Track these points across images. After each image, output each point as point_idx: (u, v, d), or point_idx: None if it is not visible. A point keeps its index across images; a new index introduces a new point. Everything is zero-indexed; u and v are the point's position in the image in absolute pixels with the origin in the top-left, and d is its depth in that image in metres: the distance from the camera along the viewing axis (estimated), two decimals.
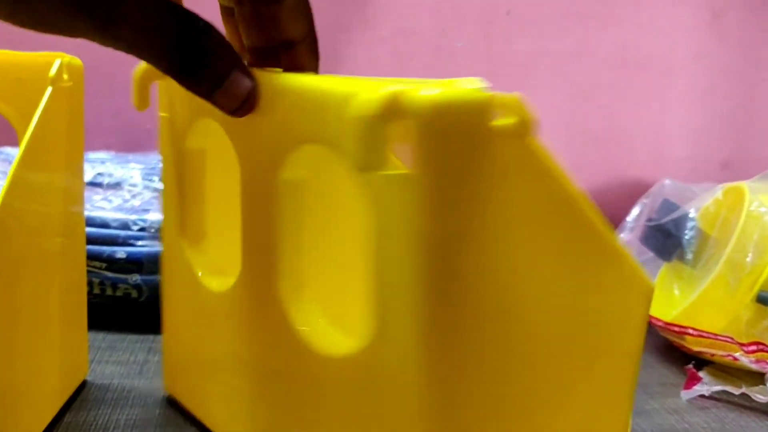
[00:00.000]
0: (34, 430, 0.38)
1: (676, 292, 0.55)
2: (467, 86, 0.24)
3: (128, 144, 0.74)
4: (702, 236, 0.54)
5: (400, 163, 0.25)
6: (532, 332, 0.28)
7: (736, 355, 0.48)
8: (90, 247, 0.52)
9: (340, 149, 0.26)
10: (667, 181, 0.60)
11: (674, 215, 0.56)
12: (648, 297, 0.30)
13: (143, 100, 0.37)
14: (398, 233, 0.25)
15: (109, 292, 0.54)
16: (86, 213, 0.54)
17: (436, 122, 0.24)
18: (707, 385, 0.48)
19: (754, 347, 0.48)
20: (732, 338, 0.48)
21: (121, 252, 0.53)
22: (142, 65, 0.37)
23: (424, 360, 0.26)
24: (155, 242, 0.54)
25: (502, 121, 0.25)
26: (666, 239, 0.56)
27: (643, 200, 0.61)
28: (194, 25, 0.30)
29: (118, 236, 0.54)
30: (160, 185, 0.46)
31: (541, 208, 0.27)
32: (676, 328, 0.51)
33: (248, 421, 0.36)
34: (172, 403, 0.43)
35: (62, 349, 0.41)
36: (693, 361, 0.50)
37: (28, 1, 0.27)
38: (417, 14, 0.80)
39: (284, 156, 0.31)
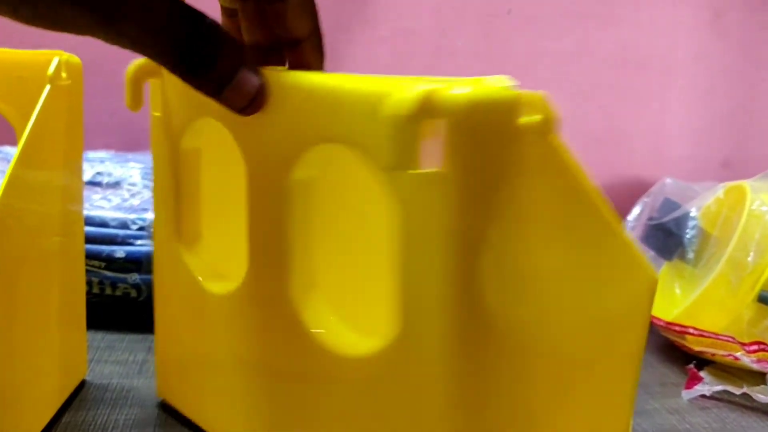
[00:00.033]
0: (32, 429, 0.38)
1: (677, 291, 0.55)
2: (495, 84, 0.24)
3: (128, 143, 0.74)
4: (703, 235, 0.54)
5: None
6: (546, 327, 0.28)
7: (738, 354, 0.48)
8: (89, 246, 0.52)
9: (365, 148, 0.27)
10: (668, 180, 0.60)
11: (675, 214, 0.56)
12: (652, 288, 0.30)
13: (137, 100, 0.37)
14: (427, 232, 0.25)
15: (108, 291, 0.54)
16: (85, 212, 0.54)
17: (468, 121, 0.24)
18: (708, 385, 0.48)
19: (755, 347, 0.48)
20: (733, 338, 0.48)
21: (120, 251, 0.53)
22: (134, 64, 0.36)
23: (453, 357, 0.26)
24: None
25: (528, 118, 0.25)
26: (667, 238, 0.55)
27: (644, 199, 0.61)
28: (201, 22, 0.29)
29: (117, 235, 0.54)
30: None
31: (560, 204, 0.27)
32: (677, 328, 0.51)
33: (253, 423, 0.36)
34: (167, 408, 0.42)
35: (61, 349, 0.41)
36: (694, 361, 0.50)
37: None
38: (417, 14, 0.80)
39: (296, 155, 0.30)
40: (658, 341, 0.55)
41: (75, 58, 0.40)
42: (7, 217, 0.33)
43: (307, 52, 0.35)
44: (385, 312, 0.38)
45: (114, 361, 0.49)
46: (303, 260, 0.32)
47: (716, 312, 0.50)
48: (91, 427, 0.40)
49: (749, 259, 0.49)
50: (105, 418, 0.41)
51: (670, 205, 0.57)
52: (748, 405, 0.47)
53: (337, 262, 0.35)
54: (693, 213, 0.55)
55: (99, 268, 0.53)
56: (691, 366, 0.50)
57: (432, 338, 0.26)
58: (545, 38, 0.82)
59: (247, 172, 0.33)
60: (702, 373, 0.49)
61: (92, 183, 0.63)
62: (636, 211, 0.60)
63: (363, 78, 0.28)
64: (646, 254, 0.56)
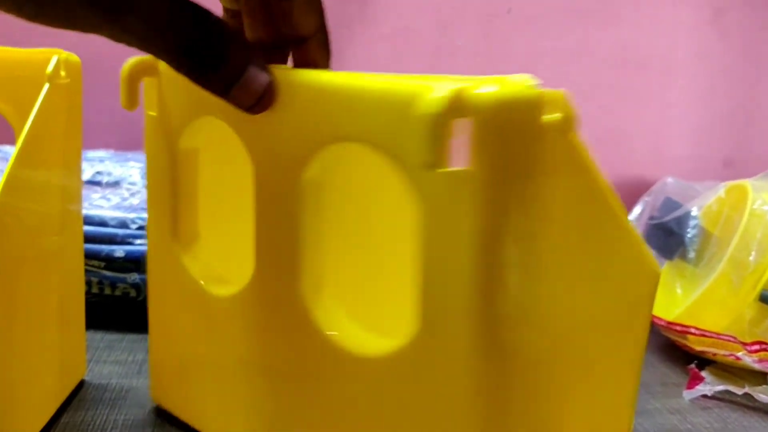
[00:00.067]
0: (31, 430, 0.38)
1: (679, 291, 0.55)
2: (520, 83, 0.25)
3: (127, 142, 0.74)
4: (704, 235, 0.54)
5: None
6: (557, 324, 0.28)
7: (739, 354, 0.48)
8: (88, 245, 0.52)
9: (388, 147, 0.27)
10: (669, 179, 0.60)
11: (676, 213, 0.56)
12: (655, 283, 0.30)
13: (132, 99, 0.36)
14: (453, 230, 0.25)
15: (107, 291, 0.54)
16: (84, 211, 0.54)
17: (496, 119, 0.24)
18: (710, 384, 0.48)
19: (757, 347, 0.47)
20: (735, 337, 0.48)
21: (119, 251, 0.53)
22: (129, 62, 0.36)
23: (477, 356, 0.26)
24: None
25: (549, 116, 0.25)
26: (668, 238, 0.55)
27: (645, 198, 0.60)
28: (207, 19, 0.29)
29: (116, 235, 0.54)
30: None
31: (578, 200, 0.27)
32: (679, 328, 0.51)
33: (256, 425, 0.36)
34: (162, 413, 0.42)
35: (60, 349, 0.41)
36: (695, 361, 0.50)
37: None
38: (417, 12, 0.80)
39: (308, 154, 0.30)
40: (660, 341, 0.55)
41: (74, 57, 0.39)
42: (5, 217, 0.33)
43: (314, 49, 0.34)
44: (395, 311, 0.38)
45: (113, 361, 0.48)
46: (313, 260, 0.32)
47: (718, 312, 0.50)
48: (90, 427, 0.40)
49: (751, 258, 0.49)
50: (104, 418, 0.41)
51: (671, 204, 0.57)
52: (749, 405, 0.47)
53: (346, 261, 0.35)
54: (694, 212, 0.55)
55: (98, 267, 0.53)
56: (693, 366, 0.50)
57: (455, 336, 0.26)
58: (545, 37, 0.82)
59: (255, 171, 0.33)
60: (703, 373, 0.49)
61: (92, 182, 0.63)
62: (637, 210, 0.60)
63: (380, 77, 0.28)
64: None
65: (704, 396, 0.47)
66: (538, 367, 0.28)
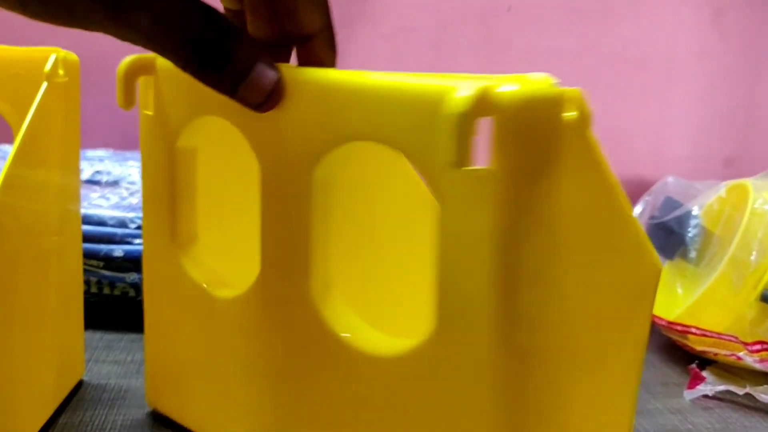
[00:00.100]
0: (29, 430, 0.38)
1: (679, 290, 0.54)
2: (541, 81, 0.25)
3: (127, 142, 0.74)
4: (705, 234, 0.54)
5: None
6: (566, 321, 0.28)
7: (740, 354, 0.47)
8: (87, 245, 0.52)
9: (407, 146, 0.27)
10: (669, 179, 0.60)
11: (677, 213, 0.55)
12: (657, 278, 0.30)
13: (129, 99, 0.36)
14: (474, 229, 0.25)
15: (106, 291, 0.53)
16: (83, 211, 0.54)
17: (519, 117, 0.24)
18: (711, 384, 0.48)
19: (758, 346, 0.47)
20: (736, 337, 0.48)
21: (118, 250, 0.53)
22: (126, 61, 0.36)
23: (499, 354, 0.26)
24: None
25: (568, 114, 0.26)
26: (669, 237, 0.55)
27: (646, 198, 0.60)
28: (214, 16, 0.28)
29: (115, 234, 0.53)
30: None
31: (590, 196, 0.27)
32: (679, 327, 0.51)
33: (263, 428, 0.35)
34: (158, 417, 0.41)
35: (58, 349, 0.41)
36: (696, 361, 0.50)
37: None
38: (418, 11, 0.80)
39: (319, 153, 0.30)
40: (660, 341, 0.54)
41: (72, 55, 0.39)
42: (3, 216, 0.33)
43: (319, 47, 0.33)
44: (399, 310, 0.38)
45: (112, 361, 0.48)
46: (322, 260, 0.31)
47: (719, 311, 0.50)
48: (89, 427, 0.40)
49: (752, 258, 0.49)
50: (102, 418, 0.41)
51: (671, 203, 0.57)
52: (751, 405, 0.47)
53: (351, 260, 0.35)
54: (695, 211, 0.55)
55: (97, 267, 0.53)
56: (694, 366, 0.49)
57: (474, 335, 0.26)
58: (545, 36, 0.82)
59: (262, 170, 0.33)
60: (704, 373, 0.49)
61: (91, 182, 0.63)
62: (637, 209, 0.60)
63: (395, 75, 0.28)
64: None
65: (705, 396, 0.47)
66: (552, 365, 0.28)
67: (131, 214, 0.55)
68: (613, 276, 0.29)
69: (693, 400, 0.47)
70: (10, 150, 0.34)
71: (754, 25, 0.86)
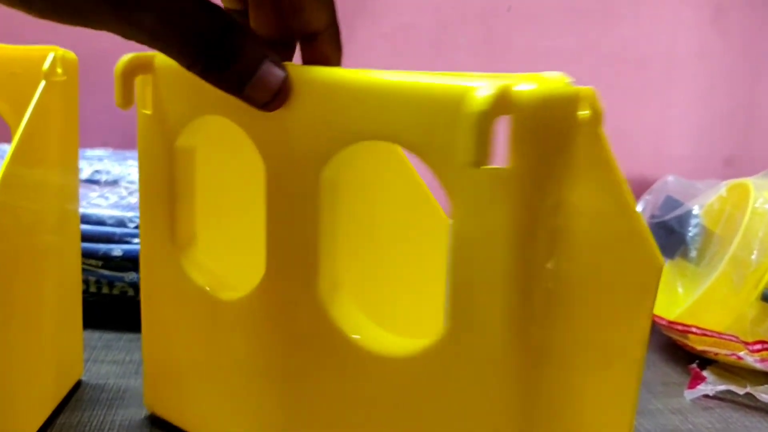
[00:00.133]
0: (27, 430, 0.38)
1: (680, 290, 0.54)
2: (555, 79, 0.25)
3: (126, 141, 0.74)
4: (706, 233, 0.54)
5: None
6: (578, 317, 0.28)
7: (741, 354, 0.47)
8: (86, 244, 0.52)
9: (423, 145, 0.26)
10: (670, 178, 0.59)
11: (678, 212, 0.55)
12: (658, 274, 0.30)
13: (127, 98, 0.35)
14: (491, 228, 0.25)
15: (105, 290, 0.53)
16: (82, 210, 0.53)
17: (537, 116, 0.24)
18: (711, 384, 0.47)
19: (759, 346, 0.47)
20: (737, 337, 0.48)
21: (117, 250, 0.53)
22: (123, 60, 0.35)
23: (516, 353, 0.26)
24: None
25: (582, 113, 0.26)
26: (669, 236, 0.55)
27: (646, 197, 0.60)
28: (220, 14, 0.28)
29: (114, 234, 0.53)
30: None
31: (600, 194, 0.27)
32: (680, 327, 0.50)
33: (269, 430, 0.35)
34: (157, 418, 0.41)
35: (56, 349, 0.41)
36: (697, 360, 0.50)
37: None
38: (418, 10, 0.80)
39: (329, 152, 0.30)
40: (661, 340, 0.54)
41: (71, 54, 0.39)
42: (1, 216, 0.33)
43: (325, 45, 0.33)
44: (404, 310, 0.38)
45: (111, 360, 0.48)
46: (330, 260, 0.31)
47: (719, 311, 0.50)
48: (87, 428, 0.40)
49: (753, 257, 0.49)
50: (101, 419, 0.41)
51: (672, 203, 0.57)
52: (751, 405, 0.46)
53: (355, 260, 0.35)
54: (695, 211, 0.55)
55: (96, 266, 0.53)
56: (694, 365, 0.49)
57: (490, 334, 0.26)
58: (545, 36, 0.82)
59: (267, 170, 0.32)
60: (705, 373, 0.49)
61: (90, 181, 0.63)
62: (638, 209, 0.60)
63: (407, 74, 0.27)
64: None
65: (706, 396, 0.47)
66: (561, 364, 0.28)
67: (130, 214, 0.55)
68: (617, 273, 0.29)
69: (693, 400, 0.47)
70: (8, 149, 0.34)
71: (754, 24, 0.86)
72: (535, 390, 0.27)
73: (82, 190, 0.58)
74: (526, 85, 0.24)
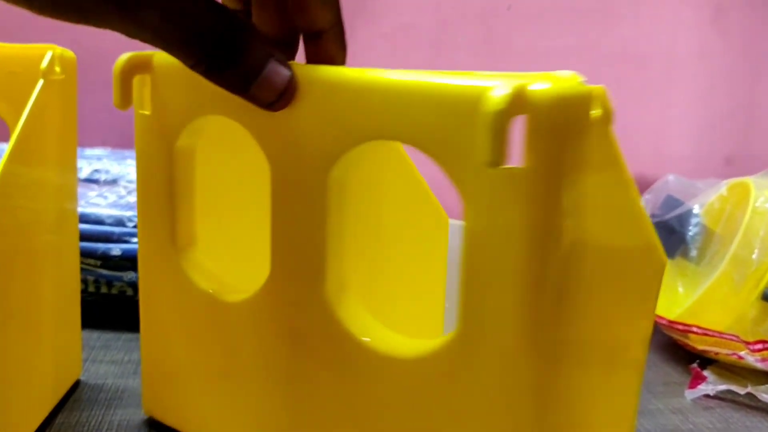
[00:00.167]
0: (25, 430, 0.37)
1: (680, 289, 0.54)
2: (569, 78, 0.25)
3: (125, 140, 0.74)
4: (706, 233, 0.54)
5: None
6: (584, 316, 0.28)
7: (742, 353, 0.47)
8: (84, 244, 0.51)
9: (437, 145, 0.26)
10: (670, 177, 0.59)
11: (678, 211, 0.55)
12: (662, 271, 0.30)
13: (126, 98, 0.35)
14: (506, 228, 0.25)
15: (104, 290, 0.53)
16: (80, 209, 0.53)
17: (552, 115, 0.24)
18: (712, 384, 0.47)
19: (760, 346, 0.47)
20: (737, 336, 0.48)
21: (116, 249, 0.53)
22: (122, 59, 0.35)
23: (531, 353, 0.26)
24: None
25: (594, 112, 0.26)
26: (669, 236, 0.55)
27: (646, 196, 0.60)
28: (224, 13, 0.28)
29: (112, 233, 0.53)
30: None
31: (609, 193, 0.27)
32: (680, 326, 0.50)
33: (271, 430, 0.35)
34: (154, 422, 0.41)
35: (55, 349, 0.41)
36: (697, 360, 0.50)
37: None
38: (418, 10, 0.80)
39: (337, 152, 0.29)
40: (661, 340, 0.54)
41: (69, 53, 0.39)
42: None
43: (329, 44, 0.32)
44: (405, 310, 0.37)
45: (109, 360, 0.48)
46: (338, 261, 0.31)
47: (720, 310, 0.49)
48: (85, 428, 0.40)
49: (753, 256, 0.48)
50: (99, 419, 0.41)
51: (672, 202, 0.57)
52: (752, 405, 0.46)
53: (360, 260, 0.35)
54: (696, 210, 0.55)
55: (95, 266, 0.53)
56: (695, 365, 0.49)
57: (504, 335, 0.26)
58: (545, 35, 0.82)
59: (272, 171, 0.32)
60: (705, 373, 0.49)
61: (89, 180, 0.62)
62: None
63: (417, 73, 0.27)
64: None
65: (706, 396, 0.47)
66: (571, 363, 0.28)
67: (129, 213, 0.55)
68: (622, 272, 0.29)
69: (694, 400, 0.47)
70: (6, 148, 0.34)
71: (755, 24, 0.85)
72: (547, 390, 0.27)
73: (81, 189, 0.58)
74: (541, 84, 0.24)
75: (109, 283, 0.53)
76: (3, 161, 0.33)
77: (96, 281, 0.53)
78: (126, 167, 0.64)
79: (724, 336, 0.48)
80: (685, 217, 0.55)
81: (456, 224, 0.42)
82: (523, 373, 0.26)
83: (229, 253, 0.39)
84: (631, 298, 0.30)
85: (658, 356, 0.53)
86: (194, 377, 0.38)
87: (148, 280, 0.39)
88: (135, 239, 0.53)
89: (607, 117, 0.26)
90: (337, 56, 0.33)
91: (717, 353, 0.49)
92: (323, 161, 0.30)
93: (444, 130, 0.26)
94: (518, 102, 0.24)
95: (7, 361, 0.35)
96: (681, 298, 0.54)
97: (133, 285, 0.53)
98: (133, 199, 0.58)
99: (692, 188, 0.58)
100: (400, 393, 0.30)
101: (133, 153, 0.68)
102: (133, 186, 0.61)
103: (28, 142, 0.35)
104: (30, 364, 0.38)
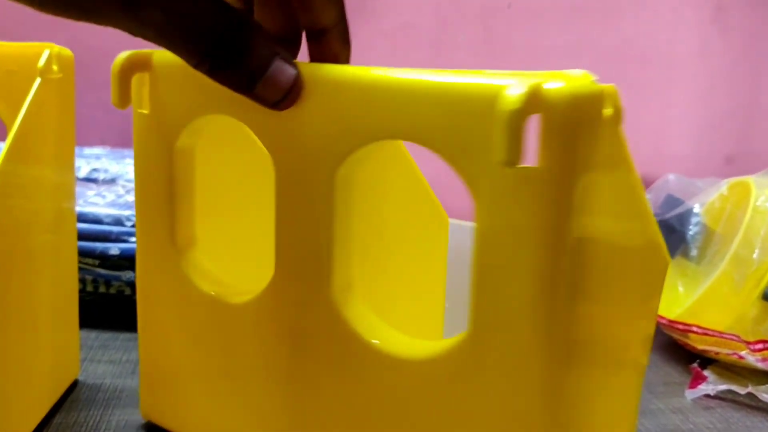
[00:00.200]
0: (23, 431, 0.37)
1: (680, 289, 0.54)
2: (581, 77, 0.25)
3: (124, 139, 0.73)
4: (707, 232, 0.54)
5: None
6: (592, 315, 0.28)
7: (742, 353, 0.47)
8: (82, 243, 0.51)
9: (444, 145, 0.26)
10: (671, 176, 0.59)
11: (678, 210, 0.55)
12: (664, 270, 0.30)
13: (125, 97, 0.35)
14: (520, 228, 0.25)
15: (102, 289, 0.53)
16: (79, 209, 0.53)
17: (566, 114, 0.24)
18: (712, 384, 0.47)
19: (760, 345, 0.47)
20: (738, 336, 0.47)
21: (114, 248, 0.52)
22: (121, 57, 0.34)
23: (541, 351, 0.26)
24: None
25: (606, 111, 0.26)
26: (670, 235, 0.55)
27: (647, 195, 0.60)
28: (229, 11, 0.27)
29: (111, 232, 0.53)
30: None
31: (618, 192, 0.27)
32: (681, 326, 0.50)
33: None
34: (152, 424, 0.40)
35: (53, 349, 0.40)
36: (698, 360, 0.50)
37: None
38: (417, 8, 0.79)
39: (345, 152, 0.29)
40: (662, 340, 0.54)
41: (66, 51, 0.39)
42: None
43: (334, 42, 0.32)
44: (409, 309, 0.37)
45: (107, 360, 0.48)
46: (345, 260, 0.31)
47: (720, 310, 0.49)
48: (83, 428, 0.40)
49: (754, 256, 0.48)
50: (97, 419, 0.40)
51: (672, 201, 0.57)
52: (753, 405, 0.46)
53: (365, 260, 0.34)
54: (696, 209, 0.55)
55: (93, 265, 0.52)
56: (695, 365, 0.49)
57: (516, 333, 0.26)
58: (545, 33, 0.81)
59: (278, 170, 0.32)
60: (706, 372, 0.49)
61: (88, 179, 0.62)
62: None
63: (430, 72, 0.27)
64: None
65: (707, 395, 0.47)
66: (583, 363, 0.28)
67: (127, 212, 0.54)
68: (627, 271, 0.29)
69: (694, 400, 0.47)
70: (2, 146, 0.34)
71: (755, 23, 0.85)
72: (559, 390, 0.27)
73: (80, 188, 0.58)
74: (556, 83, 0.24)
75: (108, 282, 0.53)
76: (0, 160, 0.33)
77: (94, 281, 0.53)
78: (125, 166, 0.64)
79: (725, 336, 0.48)
80: (685, 217, 0.55)
81: (456, 224, 0.42)
82: (535, 374, 0.26)
83: (228, 254, 0.38)
84: (635, 297, 0.30)
85: (658, 356, 0.53)
86: (194, 380, 0.38)
87: (146, 281, 0.39)
88: (133, 239, 0.53)
89: (617, 116, 0.26)
90: (341, 54, 0.33)
91: (717, 353, 0.49)
92: (330, 161, 0.30)
93: (457, 130, 0.26)
94: (534, 101, 0.24)
95: (4, 361, 0.34)
96: (681, 297, 0.53)
97: (132, 284, 0.53)
98: (131, 198, 0.58)
99: (692, 187, 0.58)
100: (408, 395, 0.29)
101: (131, 152, 0.68)
102: (132, 185, 0.61)
103: (25, 141, 0.35)
104: (28, 363, 0.37)
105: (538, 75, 0.25)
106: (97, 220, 0.54)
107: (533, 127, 0.24)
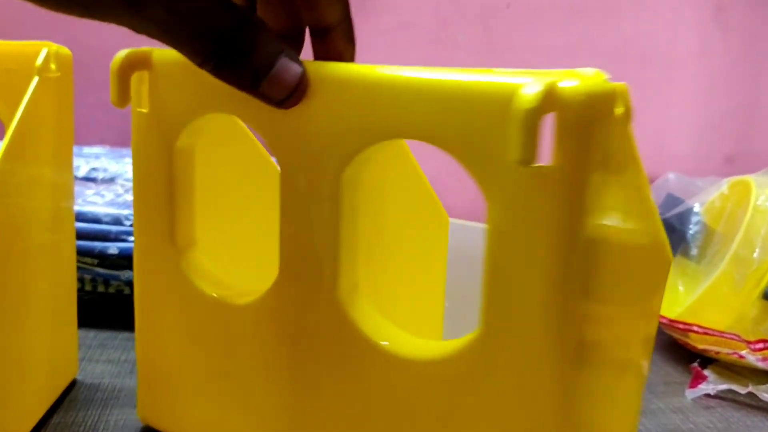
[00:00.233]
0: (21, 430, 0.37)
1: (681, 288, 0.54)
2: (594, 76, 0.25)
3: (123, 138, 0.73)
4: (707, 231, 0.53)
5: None
6: (600, 314, 0.28)
7: (743, 353, 0.47)
8: (81, 242, 0.51)
9: (456, 144, 0.26)
10: (671, 175, 0.59)
11: (678, 210, 0.55)
12: (667, 268, 0.30)
13: (124, 96, 0.34)
14: (534, 227, 0.25)
15: (101, 288, 0.53)
16: (78, 208, 0.53)
17: (581, 113, 0.24)
18: (713, 383, 0.47)
19: (761, 345, 0.47)
20: (738, 336, 0.47)
21: (113, 248, 0.52)
22: (120, 55, 0.34)
23: (553, 350, 0.26)
24: None
25: (617, 109, 0.26)
26: (670, 234, 0.54)
27: None
28: (233, 8, 0.27)
29: (110, 232, 0.53)
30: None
31: (627, 191, 0.27)
32: (681, 326, 0.50)
33: None
34: (151, 428, 0.40)
35: (51, 348, 0.40)
36: (698, 359, 0.49)
37: None
38: (417, 7, 0.79)
39: (352, 151, 0.29)
40: (662, 339, 0.54)
41: (65, 50, 0.39)
42: None
43: (338, 40, 0.32)
44: (409, 309, 0.37)
45: (106, 360, 0.48)
46: (350, 260, 0.31)
47: (720, 309, 0.49)
48: (81, 428, 0.39)
49: (754, 255, 0.48)
50: (96, 418, 0.40)
51: (672, 200, 0.57)
52: (753, 404, 0.46)
53: (369, 261, 0.34)
54: (696, 208, 0.55)
55: (91, 264, 0.52)
56: (695, 364, 0.49)
57: (528, 333, 0.26)
58: (545, 32, 0.81)
59: (282, 170, 0.31)
60: (706, 372, 0.48)
61: (87, 178, 0.62)
62: None
63: (439, 71, 0.27)
64: None
65: (707, 395, 0.47)
66: (593, 362, 0.27)
67: (126, 211, 0.54)
68: (632, 270, 0.29)
69: (695, 399, 0.46)
70: (1, 145, 0.34)
71: (756, 21, 0.85)
72: (571, 390, 0.27)
73: (78, 187, 0.58)
74: (570, 81, 0.24)
75: (106, 281, 0.53)
76: None
77: (93, 280, 0.53)
78: (124, 165, 0.64)
79: (725, 335, 0.48)
80: (685, 216, 0.54)
81: (456, 224, 0.42)
82: (547, 373, 0.26)
83: (228, 254, 0.38)
84: (639, 296, 0.29)
85: (658, 356, 0.53)
86: (193, 383, 0.37)
87: (144, 281, 0.38)
88: (132, 238, 0.53)
89: (628, 115, 0.26)
90: (346, 53, 0.32)
91: (718, 352, 0.49)
92: (336, 160, 0.29)
93: (470, 128, 0.26)
94: (549, 99, 0.23)
95: (2, 360, 0.34)
96: (682, 297, 0.53)
97: (130, 284, 0.52)
98: (130, 197, 0.58)
99: (693, 186, 0.58)
100: (416, 396, 0.29)
101: (130, 151, 0.68)
102: (131, 185, 0.61)
103: (23, 140, 0.35)
104: (26, 363, 0.37)
105: (551, 73, 0.24)
106: (96, 220, 0.54)
107: (546, 126, 0.24)
